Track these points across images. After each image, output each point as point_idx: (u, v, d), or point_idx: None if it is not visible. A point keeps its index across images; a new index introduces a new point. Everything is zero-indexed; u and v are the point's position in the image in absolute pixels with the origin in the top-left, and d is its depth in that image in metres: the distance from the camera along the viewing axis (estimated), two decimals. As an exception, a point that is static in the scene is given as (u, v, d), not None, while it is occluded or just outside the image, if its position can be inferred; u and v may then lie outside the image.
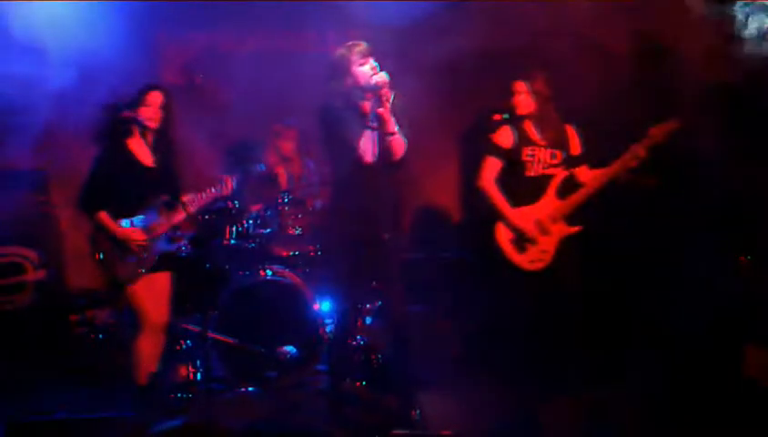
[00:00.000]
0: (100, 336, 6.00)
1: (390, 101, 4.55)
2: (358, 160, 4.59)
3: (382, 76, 4.53)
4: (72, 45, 5.90)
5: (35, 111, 6.14)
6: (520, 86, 5.12)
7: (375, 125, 4.57)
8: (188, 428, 1.75)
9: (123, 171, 4.76)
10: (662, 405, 4.95)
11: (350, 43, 4.70)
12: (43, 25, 5.93)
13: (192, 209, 4.88)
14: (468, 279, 6.22)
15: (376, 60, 4.67)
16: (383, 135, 4.63)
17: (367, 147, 4.59)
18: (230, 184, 4.99)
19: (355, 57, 4.63)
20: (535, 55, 5.48)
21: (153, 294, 4.85)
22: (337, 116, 4.61)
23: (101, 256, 4.78)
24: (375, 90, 4.53)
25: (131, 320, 4.90)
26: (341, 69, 4.66)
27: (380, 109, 4.54)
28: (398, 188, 5.02)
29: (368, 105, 4.61)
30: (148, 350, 4.87)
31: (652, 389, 5.11)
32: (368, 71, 4.59)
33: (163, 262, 4.89)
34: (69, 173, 5.68)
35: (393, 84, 4.59)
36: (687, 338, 5.29)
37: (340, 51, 4.69)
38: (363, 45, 4.67)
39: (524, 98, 5.12)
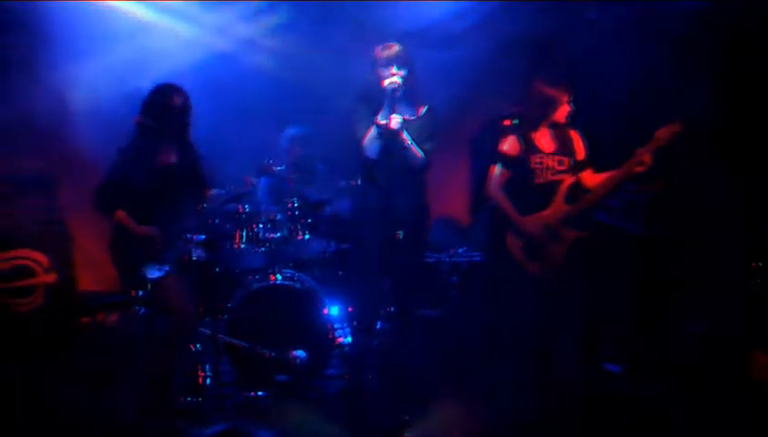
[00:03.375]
0: (110, 339, 6.00)
1: (422, 112, 4.92)
2: (362, 155, 4.85)
3: (392, 83, 4.77)
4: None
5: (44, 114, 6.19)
6: (565, 97, 5.13)
7: (383, 124, 4.78)
8: (230, 434, 1.74)
9: (145, 172, 4.77)
10: (670, 408, 4.95)
11: (385, 44, 4.95)
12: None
13: (213, 206, 4.94)
14: (480, 283, 6.24)
15: (405, 66, 4.87)
16: (398, 146, 4.84)
17: (366, 141, 4.85)
18: (251, 183, 5.04)
19: (380, 59, 4.90)
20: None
21: (181, 290, 4.87)
22: (359, 110, 4.92)
23: (126, 258, 4.79)
24: (387, 95, 4.78)
25: (153, 320, 4.92)
26: (370, 68, 4.93)
27: (391, 122, 4.77)
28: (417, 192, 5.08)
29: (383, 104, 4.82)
30: (174, 342, 4.89)
31: (661, 392, 5.12)
32: (386, 75, 4.84)
33: (178, 265, 4.91)
34: (79, 176, 5.69)
35: (424, 97, 4.95)
36: (695, 341, 5.29)
37: (376, 50, 4.95)
38: (393, 49, 4.91)
39: (565, 108, 5.12)
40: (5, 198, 5.93)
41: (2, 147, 6.13)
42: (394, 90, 4.82)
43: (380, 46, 4.94)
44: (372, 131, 4.84)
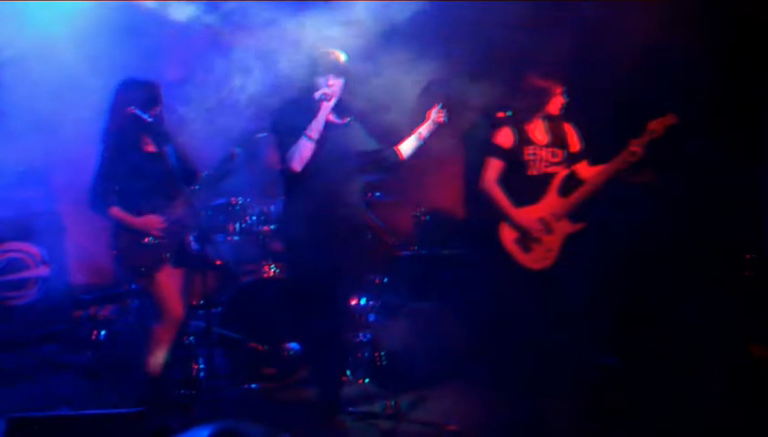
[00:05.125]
0: (103, 332, 6.00)
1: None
2: (287, 165, 4.61)
3: (323, 94, 4.59)
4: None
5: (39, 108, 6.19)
6: (558, 88, 5.12)
7: (314, 136, 4.58)
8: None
9: (133, 162, 4.75)
10: (666, 404, 4.96)
11: (324, 50, 4.72)
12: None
13: (201, 185, 4.90)
14: (473, 276, 6.24)
15: (342, 75, 4.67)
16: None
17: (295, 154, 4.58)
18: (236, 155, 4.99)
19: (318, 67, 4.67)
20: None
21: (175, 286, 4.85)
22: (287, 119, 4.65)
23: (123, 248, 4.77)
24: (317, 104, 4.60)
25: (148, 311, 4.88)
26: (306, 74, 4.72)
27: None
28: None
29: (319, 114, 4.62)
30: (164, 341, 4.87)
31: (657, 386, 5.13)
32: (320, 84, 4.65)
33: (178, 256, 4.88)
34: (72, 169, 5.68)
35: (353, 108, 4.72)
36: (691, 335, 5.30)
37: (313, 55, 4.73)
38: (333, 57, 4.69)
39: (558, 100, 5.12)
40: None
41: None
42: (327, 99, 4.64)
43: (319, 53, 4.74)
44: (302, 141, 4.59)
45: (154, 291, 4.81)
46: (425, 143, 4.91)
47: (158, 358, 4.84)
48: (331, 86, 4.64)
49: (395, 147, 4.91)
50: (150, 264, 4.77)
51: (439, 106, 4.84)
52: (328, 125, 4.68)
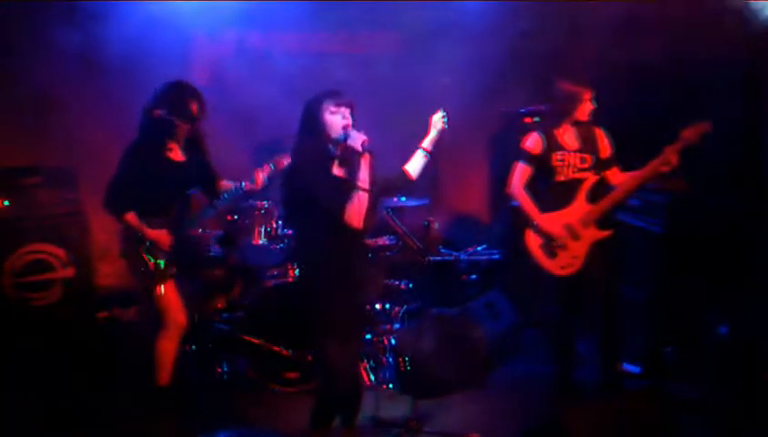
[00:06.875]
0: (127, 334, 6.01)
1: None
2: (342, 225, 4.17)
3: (357, 136, 4.20)
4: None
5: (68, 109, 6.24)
6: (588, 94, 5.07)
7: (366, 186, 4.18)
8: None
9: (155, 169, 4.75)
10: (686, 408, 4.91)
11: (325, 90, 4.33)
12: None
13: (224, 204, 4.88)
14: (499, 282, 6.21)
15: (352, 111, 4.29)
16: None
17: (355, 211, 4.16)
18: (260, 178, 4.94)
19: (327, 104, 4.25)
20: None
21: (177, 297, 4.85)
22: (310, 175, 4.22)
23: (132, 255, 4.79)
24: (347, 145, 4.22)
25: (154, 320, 4.90)
26: (312, 118, 4.27)
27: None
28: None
29: (350, 162, 4.24)
30: (170, 351, 4.87)
31: (678, 392, 5.08)
32: (339, 121, 4.24)
33: (184, 270, 4.89)
34: (99, 172, 5.69)
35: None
36: (718, 342, 5.25)
37: (313, 98, 4.31)
38: (339, 93, 4.30)
39: (587, 106, 5.07)
40: (26, 188, 5.94)
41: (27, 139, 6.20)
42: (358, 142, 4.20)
43: (319, 93, 4.30)
44: (357, 195, 4.16)
45: (155, 302, 4.81)
46: (431, 155, 4.53)
47: (165, 368, 4.84)
48: (347, 124, 4.23)
49: (403, 169, 4.55)
50: (155, 276, 4.78)
51: (441, 111, 4.52)
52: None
